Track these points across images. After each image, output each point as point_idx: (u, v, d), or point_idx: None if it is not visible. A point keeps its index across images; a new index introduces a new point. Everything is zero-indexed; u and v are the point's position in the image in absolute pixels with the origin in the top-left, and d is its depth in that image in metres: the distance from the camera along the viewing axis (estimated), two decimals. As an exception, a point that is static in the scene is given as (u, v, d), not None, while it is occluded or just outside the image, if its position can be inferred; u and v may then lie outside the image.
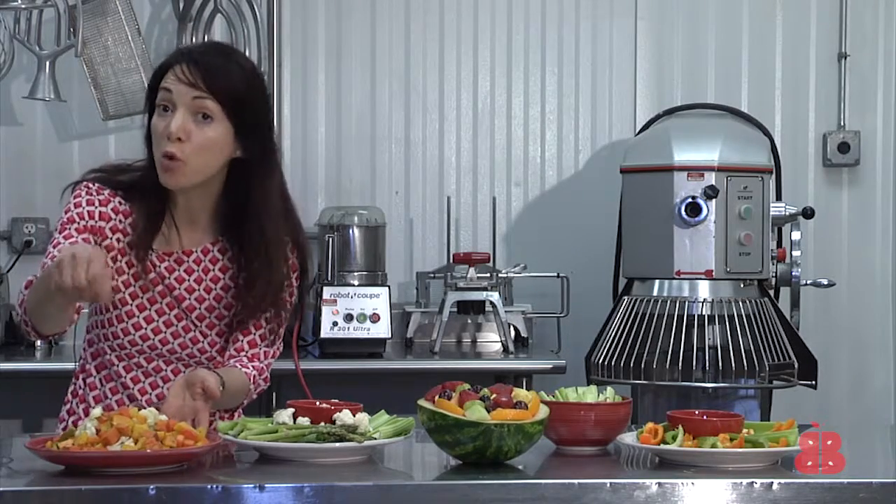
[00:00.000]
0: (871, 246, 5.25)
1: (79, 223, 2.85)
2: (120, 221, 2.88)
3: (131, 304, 2.91)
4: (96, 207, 2.87)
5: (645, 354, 4.39)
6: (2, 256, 5.03)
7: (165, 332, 2.93)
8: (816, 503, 2.38)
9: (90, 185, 2.89)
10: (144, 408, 2.72)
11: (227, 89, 2.81)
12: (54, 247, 2.82)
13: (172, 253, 2.92)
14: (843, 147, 5.18)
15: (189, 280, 2.93)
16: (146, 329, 2.92)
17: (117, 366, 2.95)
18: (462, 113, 5.20)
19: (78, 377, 3.02)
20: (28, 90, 4.77)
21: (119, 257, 2.89)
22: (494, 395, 2.53)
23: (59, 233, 2.85)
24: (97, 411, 2.52)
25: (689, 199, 4.37)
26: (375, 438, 2.57)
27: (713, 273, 4.40)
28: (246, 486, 2.33)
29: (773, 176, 4.62)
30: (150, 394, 2.95)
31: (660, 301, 4.43)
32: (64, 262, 2.48)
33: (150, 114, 2.87)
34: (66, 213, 2.87)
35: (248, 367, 2.92)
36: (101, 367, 2.97)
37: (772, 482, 2.39)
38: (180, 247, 2.92)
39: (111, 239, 2.88)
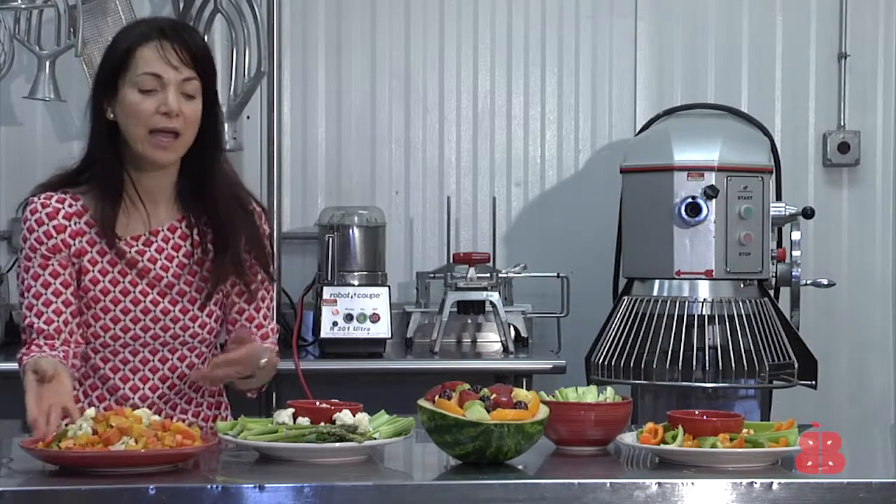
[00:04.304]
0: (871, 246, 5.25)
1: (40, 249, 2.88)
2: (75, 223, 2.90)
3: (104, 300, 2.91)
4: (48, 224, 2.89)
5: (645, 354, 4.39)
6: (2, 256, 5.02)
7: (145, 319, 2.92)
8: (816, 503, 2.39)
9: (35, 201, 2.91)
10: (139, 406, 2.75)
11: (208, 68, 2.89)
12: (43, 286, 2.86)
13: (140, 236, 2.93)
14: (843, 147, 5.18)
15: (161, 258, 2.93)
16: (125, 320, 2.91)
17: (103, 369, 2.94)
18: (462, 113, 5.20)
19: None
20: (28, 90, 4.77)
21: (83, 257, 2.89)
22: (494, 395, 2.53)
23: (27, 260, 2.89)
24: (91, 412, 2.52)
25: (689, 199, 4.37)
26: (375, 438, 2.57)
27: (713, 273, 4.39)
28: (246, 486, 2.33)
29: (773, 176, 4.62)
30: (143, 388, 2.94)
31: (660, 301, 4.43)
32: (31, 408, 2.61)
33: (103, 93, 2.88)
34: (24, 241, 2.91)
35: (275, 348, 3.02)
36: (87, 376, 2.96)
37: (772, 482, 2.40)
38: (147, 228, 2.93)
39: (74, 244, 2.90)
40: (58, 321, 2.86)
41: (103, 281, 2.91)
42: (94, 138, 2.93)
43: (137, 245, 2.92)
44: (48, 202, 2.90)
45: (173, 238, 2.94)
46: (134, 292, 2.91)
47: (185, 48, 2.86)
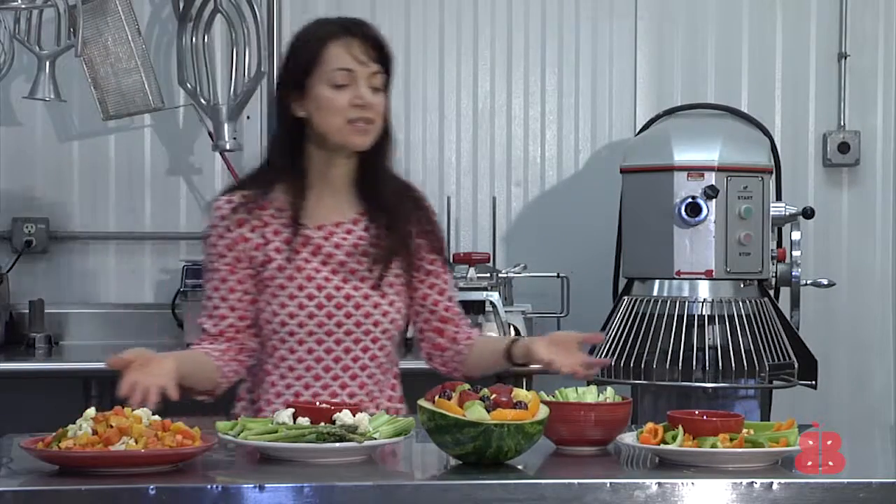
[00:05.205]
0: (871, 246, 5.26)
1: (219, 245, 2.98)
2: (258, 216, 2.97)
3: (290, 287, 2.96)
4: (230, 219, 2.98)
5: (645, 354, 4.39)
6: (2, 256, 5.03)
7: (329, 305, 2.97)
8: (816, 503, 2.39)
9: (218, 201, 3.02)
10: (320, 395, 2.91)
11: (390, 64, 3.02)
12: (213, 290, 2.99)
13: (324, 225, 3.00)
14: (843, 147, 5.18)
15: (346, 245, 3.00)
16: (310, 306, 2.97)
17: (290, 359, 2.99)
18: (462, 113, 5.20)
19: (243, 397, 3.06)
20: (28, 90, 4.77)
21: (268, 247, 2.96)
22: (494, 395, 2.53)
23: (207, 257, 3.00)
24: (91, 411, 2.53)
25: (689, 199, 4.37)
26: (375, 438, 2.57)
27: (713, 273, 4.40)
28: (246, 486, 2.33)
29: (773, 176, 4.62)
30: (325, 377, 2.98)
31: (660, 301, 4.43)
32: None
33: (290, 93, 2.97)
34: (207, 238, 3.02)
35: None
36: (269, 372, 3.01)
37: (772, 482, 2.40)
38: (331, 220, 3.01)
39: (254, 237, 2.97)
40: (221, 324, 2.98)
41: (289, 268, 2.96)
42: (281, 136, 3.02)
43: (322, 233, 2.99)
44: (232, 198, 3.00)
45: (356, 229, 3.01)
46: (317, 278, 2.97)
47: (370, 44, 2.99)
